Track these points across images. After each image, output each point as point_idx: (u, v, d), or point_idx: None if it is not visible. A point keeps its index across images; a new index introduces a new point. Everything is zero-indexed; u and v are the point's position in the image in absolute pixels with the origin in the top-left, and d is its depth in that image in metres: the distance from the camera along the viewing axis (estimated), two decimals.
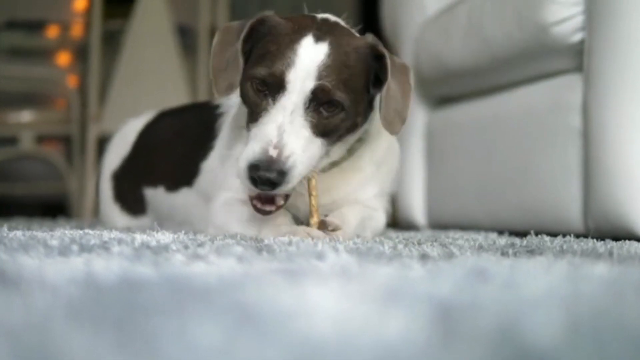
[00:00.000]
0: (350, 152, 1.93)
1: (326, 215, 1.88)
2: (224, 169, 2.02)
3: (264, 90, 1.70)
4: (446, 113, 3.02)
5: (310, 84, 1.67)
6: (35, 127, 5.11)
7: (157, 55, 4.72)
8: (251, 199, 1.74)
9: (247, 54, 1.79)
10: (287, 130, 1.65)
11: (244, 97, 1.77)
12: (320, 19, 1.81)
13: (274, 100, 1.68)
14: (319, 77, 1.67)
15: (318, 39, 1.71)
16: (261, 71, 1.69)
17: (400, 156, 2.14)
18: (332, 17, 1.86)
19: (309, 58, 1.68)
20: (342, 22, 1.88)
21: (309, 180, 1.82)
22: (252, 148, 1.65)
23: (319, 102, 1.68)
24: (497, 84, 2.68)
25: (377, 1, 3.58)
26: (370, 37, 1.81)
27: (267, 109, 1.69)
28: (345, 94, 1.70)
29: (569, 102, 2.25)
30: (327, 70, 1.69)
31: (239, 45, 1.77)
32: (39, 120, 5.16)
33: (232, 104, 2.10)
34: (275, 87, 1.68)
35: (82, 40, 5.48)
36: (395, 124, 1.79)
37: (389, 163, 2.08)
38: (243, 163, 1.65)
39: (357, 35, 1.86)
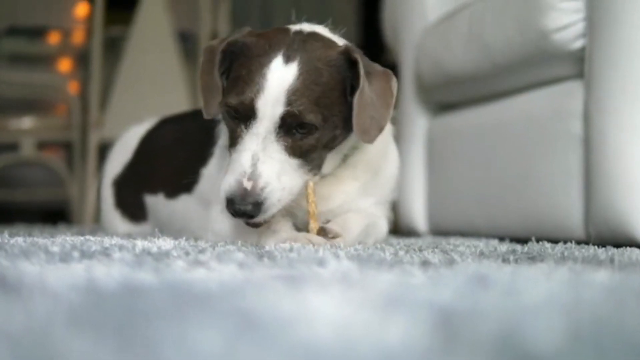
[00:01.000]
0: (345, 159, 1.93)
1: (328, 222, 1.88)
2: (222, 175, 2.02)
3: (237, 117, 1.72)
4: (447, 119, 3.02)
5: (279, 109, 1.67)
6: (36, 133, 5.11)
7: (158, 62, 4.73)
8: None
9: (227, 74, 1.82)
10: (260, 158, 1.67)
11: (224, 120, 1.81)
12: (294, 32, 1.80)
13: (247, 127, 1.70)
14: (288, 102, 1.67)
15: (288, 59, 1.71)
16: (232, 100, 1.71)
17: (400, 163, 2.14)
18: (307, 28, 1.86)
19: (277, 83, 1.68)
20: (320, 30, 1.87)
21: (306, 186, 1.82)
22: (228, 180, 1.68)
23: (290, 126, 1.69)
24: (498, 90, 2.68)
25: (378, 7, 3.58)
26: (344, 45, 1.81)
27: (242, 135, 1.71)
28: (317, 113, 1.70)
29: (570, 108, 2.25)
30: (296, 94, 1.68)
31: (216, 71, 1.81)
32: (39, 127, 5.17)
33: None
34: (246, 115, 1.70)
35: (83, 47, 5.49)
36: (370, 131, 1.78)
37: (386, 170, 2.07)
38: (222, 194, 1.68)
39: (337, 41, 1.85)
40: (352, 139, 1.87)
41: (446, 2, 3.07)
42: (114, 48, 5.02)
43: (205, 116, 1.87)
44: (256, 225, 1.74)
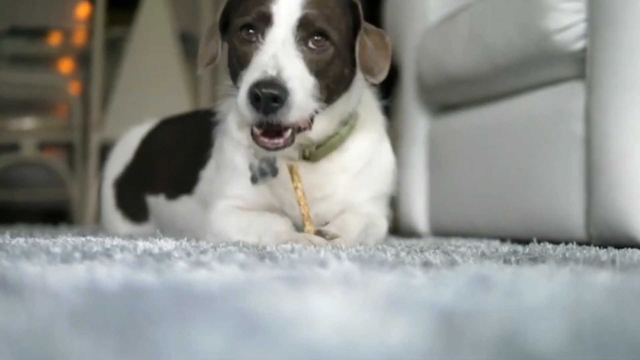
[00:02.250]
0: (338, 134, 1.93)
1: (326, 224, 1.88)
2: (220, 177, 2.02)
3: (251, 35, 1.73)
4: (448, 120, 3.02)
5: (296, 14, 1.71)
6: (37, 134, 5.11)
7: (159, 62, 4.73)
8: (257, 137, 1.70)
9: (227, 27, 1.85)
10: (281, 57, 1.66)
11: (231, 55, 1.80)
12: None
13: (264, 36, 1.71)
14: (303, 8, 1.71)
15: None
16: (246, 17, 1.73)
17: (394, 156, 2.13)
18: None
19: None
20: None
21: (295, 189, 1.84)
22: (250, 76, 1.65)
23: (307, 33, 1.71)
24: (499, 91, 2.68)
25: (379, 9, 3.58)
26: None
27: (258, 47, 1.70)
28: (331, 27, 1.74)
29: (571, 109, 2.25)
30: (310, 4, 1.73)
31: (216, 24, 1.85)
32: (40, 127, 5.17)
33: (226, 111, 2.10)
34: (262, 24, 1.71)
35: (85, 47, 5.49)
36: (373, 71, 1.82)
37: (380, 162, 2.06)
38: (243, 91, 1.64)
39: None
40: (352, 100, 1.90)
41: (447, 3, 3.07)
42: (115, 49, 5.02)
43: (199, 70, 1.91)
44: (275, 148, 1.70)
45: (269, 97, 1.59)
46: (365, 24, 1.83)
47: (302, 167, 1.90)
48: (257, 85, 1.60)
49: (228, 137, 1.99)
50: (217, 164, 2.06)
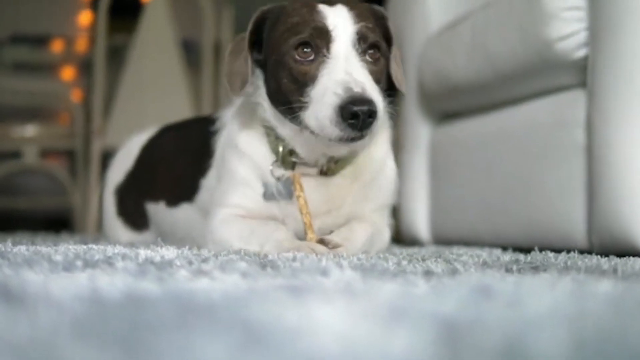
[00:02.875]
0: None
1: (331, 232, 1.89)
2: (221, 186, 2.02)
3: (307, 53, 1.73)
4: (450, 128, 3.02)
5: (351, 28, 1.73)
6: (39, 141, 5.12)
7: (161, 70, 4.74)
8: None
9: (258, 47, 1.85)
10: (354, 72, 1.67)
11: (279, 74, 1.77)
12: None
13: (328, 50, 1.71)
14: (355, 22, 1.74)
15: (330, 4, 1.78)
16: (301, 35, 1.73)
17: (396, 169, 2.14)
18: None
19: (337, 11, 1.75)
20: None
21: (298, 198, 1.84)
22: (331, 93, 1.64)
23: (365, 46, 1.74)
24: (500, 99, 2.68)
25: None
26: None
27: (322, 63, 1.70)
28: (380, 39, 1.78)
29: (573, 117, 2.25)
30: (358, 17, 1.75)
31: (245, 41, 1.82)
32: (42, 135, 5.18)
33: (227, 120, 2.11)
34: (320, 40, 1.72)
35: (87, 55, 5.51)
36: (403, 84, 1.89)
37: (385, 173, 2.08)
38: (329, 110, 1.63)
39: None
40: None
41: (449, 11, 3.07)
42: (117, 56, 5.04)
43: (232, 95, 1.89)
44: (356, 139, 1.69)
45: (367, 114, 1.60)
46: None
47: (314, 182, 1.90)
48: (353, 102, 1.59)
49: (233, 148, 1.99)
50: (219, 173, 2.06)
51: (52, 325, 0.66)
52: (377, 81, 1.74)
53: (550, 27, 2.26)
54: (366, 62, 1.73)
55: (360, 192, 1.99)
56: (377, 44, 1.76)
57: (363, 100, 1.60)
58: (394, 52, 1.86)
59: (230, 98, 2.08)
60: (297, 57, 1.73)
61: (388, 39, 1.86)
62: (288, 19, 1.77)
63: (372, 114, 1.60)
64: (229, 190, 1.97)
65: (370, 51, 1.75)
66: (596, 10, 2.14)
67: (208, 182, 2.15)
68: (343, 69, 1.66)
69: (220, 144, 2.09)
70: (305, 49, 1.72)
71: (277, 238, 1.79)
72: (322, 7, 1.77)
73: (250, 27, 1.82)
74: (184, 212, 2.30)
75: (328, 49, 1.71)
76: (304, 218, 1.85)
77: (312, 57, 1.72)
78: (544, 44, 2.30)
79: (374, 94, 1.64)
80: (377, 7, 1.87)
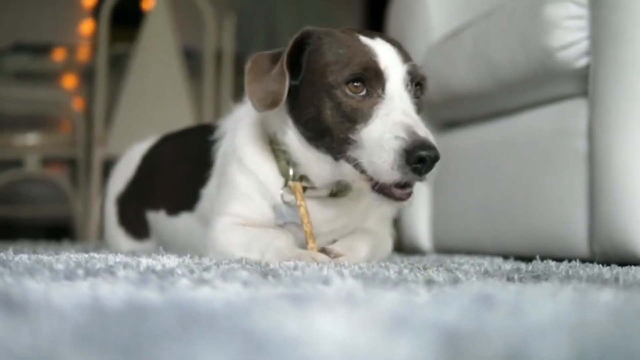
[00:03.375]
0: None
1: (334, 242, 1.89)
2: (221, 195, 2.01)
3: (359, 88, 1.69)
4: (451, 137, 3.02)
5: (402, 67, 1.71)
6: (41, 149, 5.12)
7: (163, 78, 4.74)
8: (387, 189, 1.67)
9: (294, 69, 1.79)
10: (411, 114, 1.66)
11: (326, 105, 1.73)
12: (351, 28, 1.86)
13: (383, 90, 1.69)
14: (404, 61, 1.73)
15: (370, 36, 1.77)
16: (353, 69, 1.69)
17: None
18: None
19: (384, 48, 1.73)
20: None
21: (299, 207, 1.84)
22: (395, 135, 1.60)
23: (414, 84, 1.73)
24: (502, 108, 2.68)
25: (382, 25, 3.59)
26: None
27: (377, 102, 1.68)
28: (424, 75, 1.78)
29: (574, 126, 2.26)
30: (403, 55, 1.75)
31: (284, 59, 1.75)
32: (44, 143, 5.18)
33: (227, 129, 2.10)
34: (373, 77, 1.69)
35: (88, 64, 5.52)
36: None
37: None
38: (391, 153, 1.59)
39: None
40: None
41: (450, 20, 3.08)
42: (118, 65, 5.04)
43: (259, 110, 1.80)
44: (407, 197, 1.67)
45: (433, 160, 1.58)
46: None
47: (321, 203, 1.90)
48: (422, 147, 1.56)
49: (237, 161, 1.98)
50: (219, 182, 2.06)
51: (54, 334, 0.66)
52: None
53: (551, 36, 2.27)
54: (413, 99, 1.73)
55: (364, 209, 1.99)
56: (423, 81, 1.76)
57: (430, 145, 1.57)
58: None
59: (230, 107, 2.08)
60: (347, 91, 1.69)
61: None
62: (335, 48, 1.74)
63: (436, 159, 1.59)
64: (229, 199, 1.97)
65: (416, 88, 1.75)
66: (597, 19, 2.14)
67: (208, 192, 2.15)
68: (401, 111, 1.64)
69: (220, 153, 2.08)
70: (356, 84, 1.69)
71: (277, 246, 1.78)
72: (368, 41, 1.74)
73: (289, 47, 1.77)
74: (184, 221, 2.30)
75: (383, 88, 1.68)
76: (305, 227, 1.85)
77: (363, 93, 1.69)
78: (545, 52, 2.30)
79: (432, 137, 1.61)
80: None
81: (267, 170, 1.92)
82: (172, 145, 2.57)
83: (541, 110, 2.47)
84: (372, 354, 0.63)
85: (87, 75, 5.47)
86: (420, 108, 1.77)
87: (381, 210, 2.05)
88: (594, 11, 2.16)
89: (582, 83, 2.26)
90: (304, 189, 1.88)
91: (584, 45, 2.22)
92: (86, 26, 7.14)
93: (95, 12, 6.49)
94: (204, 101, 4.90)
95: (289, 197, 1.88)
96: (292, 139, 1.83)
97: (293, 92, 1.79)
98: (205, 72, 4.89)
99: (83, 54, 6.05)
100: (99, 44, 4.86)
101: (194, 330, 0.69)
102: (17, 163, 5.09)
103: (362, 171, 1.67)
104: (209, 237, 1.97)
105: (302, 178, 1.87)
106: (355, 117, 1.68)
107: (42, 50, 5.72)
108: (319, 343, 0.64)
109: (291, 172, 1.87)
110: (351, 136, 1.67)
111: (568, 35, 2.24)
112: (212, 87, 4.89)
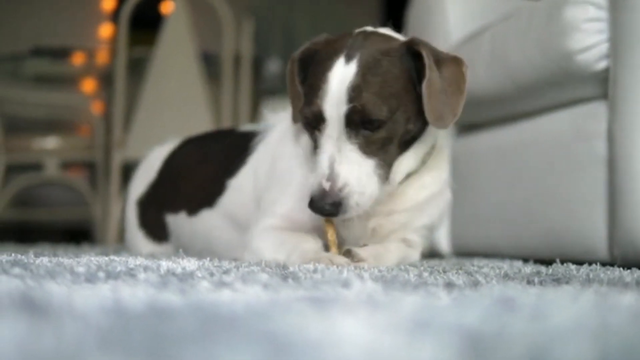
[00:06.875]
0: (424, 161, 1.96)
1: (364, 245, 1.88)
2: (270, 193, 2.02)
3: (311, 124, 1.79)
4: (470, 140, 3.01)
5: (342, 109, 1.72)
6: (60, 153, 5.14)
7: (182, 82, 4.75)
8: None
9: (305, 81, 1.87)
10: (337, 159, 1.72)
11: (304, 128, 1.87)
12: (357, 32, 1.86)
13: (320, 131, 1.76)
14: (349, 100, 1.71)
15: (349, 58, 1.75)
16: (306, 111, 1.78)
17: (450, 199, 2.18)
18: (370, 29, 1.91)
19: (338, 84, 1.73)
20: (382, 31, 1.92)
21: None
22: (311, 181, 1.75)
23: (357, 123, 1.73)
24: (521, 111, 2.67)
25: (400, 28, 3.59)
26: (408, 38, 1.86)
27: (319, 139, 1.77)
28: (381, 105, 1.73)
29: (594, 129, 2.25)
30: (355, 90, 1.72)
31: (295, 80, 1.90)
32: (63, 147, 5.20)
33: (270, 125, 2.14)
34: (317, 121, 1.76)
35: (107, 67, 5.53)
36: (444, 117, 1.79)
37: (443, 193, 2.09)
38: (309, 195, 1.74)
39: (400, 38, 1.90)
40: (429, 137, 1.91)
41: (469, 23, 3.07)
42: (137, 68, 5.05)
43: (293, 122, 1.97)
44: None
45: (323, 212, 1.74)
46: (438, 55, 1.83)
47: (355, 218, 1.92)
48: (312, 201, 1.73)
49: (290, 146, 2.03)
50: (268, 175, 2.06)
51: (78, 337, 0.66)
52: (377, 147, 1.76)
53: (570, 39, 2.26)
54: (361, 136, 1.74)
55: (418, 206, 2.00)
56: (370, 120, 1.73)
57: (321, 200, 1.71)
58: (426, 85, 1.76)
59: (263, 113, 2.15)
60: (305, 122, 1.82)
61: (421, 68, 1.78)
62: (312, 74, 1.83)
63: (331, 215, 1.74)
64: (278, 198, 1.99)
65: (366, 125, 1.74)
66: (617, 21, 2.13)
67: (237, 182, 2.16)
68: (328, 156, 1.73)
69: (265, 144, 2.12)
70: (308, 122, 1.81)
71: (303, 248, 1.81)
72: (333, 71, 1.75)
73: (296, 67, 1.90)
74: (202, 223, 2.30)
75: (322, 129, 1.76)
76: (328, 235, 1.85)
77: (313, 126, 1.80)
78: (564, 55, 2.29)
79: (347, 186, 1.71)
80: (413, 41, 1.82)
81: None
82: (196, 147, 2.58)
83: (561, 113, 2.46)
84: (395, 357, 0.63)
85: (106, 79, 5.48)
86: (378, 141, 1.75)
87: (422, 221, 2.05)
88: (614, 13, 2.16)
89: (602, 86, 2.25)
90: None
91: (603, 47, 2.21)
92: (105, 30, 7.18)
93: (114, 16, 6.52)
94: (222, 105, 4.90)
95: None
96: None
97: None
98: (223, 75, 4.90)
99: (102, 57, 6.07)
100: (118, 47, 4.87)
101: (215, 333, 0.69)
102: (37, 167, 5.11)
103: None
104: (248, 237, 1.99)
105: None
106: (313, 141, 1.84)
107: (61, 54, 5.74)
108: (341, 346, 0.64)
109: None
110: (313, 155, 1.84)
111: (587, 37, 2.23)
112: (230, 91, 4.90)
